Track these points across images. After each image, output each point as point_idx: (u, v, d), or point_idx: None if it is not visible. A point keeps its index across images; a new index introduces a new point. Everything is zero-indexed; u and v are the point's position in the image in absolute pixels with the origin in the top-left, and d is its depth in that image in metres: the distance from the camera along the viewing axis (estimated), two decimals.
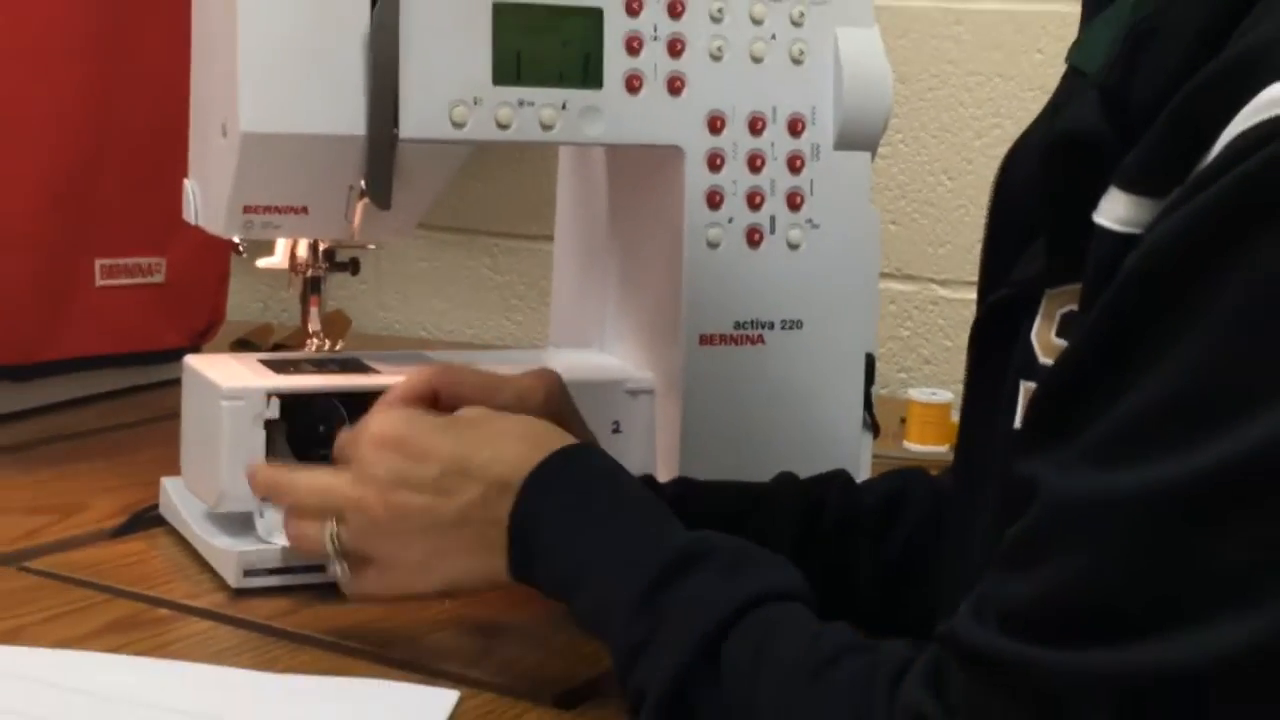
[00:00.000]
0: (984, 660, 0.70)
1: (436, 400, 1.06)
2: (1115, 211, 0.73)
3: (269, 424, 1.14)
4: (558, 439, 0.97)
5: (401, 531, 0.98)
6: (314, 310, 1.29)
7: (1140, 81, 0.74)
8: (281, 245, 1.28)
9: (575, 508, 0.94)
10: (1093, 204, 0.74)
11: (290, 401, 1.15)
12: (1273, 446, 0.63)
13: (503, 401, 1.06)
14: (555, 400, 1.10)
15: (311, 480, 1.02)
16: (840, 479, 1.12)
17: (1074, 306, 0.79)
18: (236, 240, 1.22)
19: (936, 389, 1.63)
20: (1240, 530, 0.64)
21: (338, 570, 1.00)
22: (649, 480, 1.12)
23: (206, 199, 1.19)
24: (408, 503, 0.97)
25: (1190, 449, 0.65)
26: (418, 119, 1.13)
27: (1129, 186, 0.72)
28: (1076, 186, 0.76)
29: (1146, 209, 0.71)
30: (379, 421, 1.01)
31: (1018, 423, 0.83)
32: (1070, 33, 0.93)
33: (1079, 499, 0.68)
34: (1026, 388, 0.83)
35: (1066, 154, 0.77)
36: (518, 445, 0.96)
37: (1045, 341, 0.82)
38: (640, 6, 1.18)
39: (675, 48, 1.20)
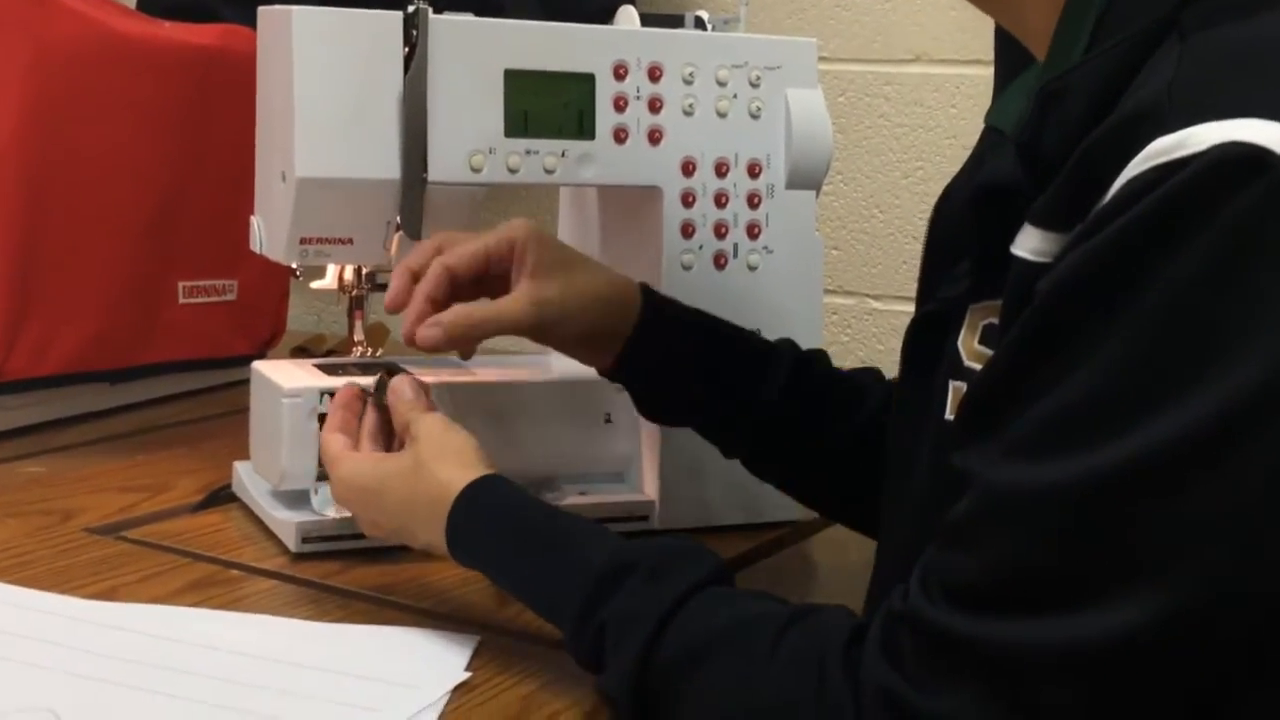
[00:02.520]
0: (934, 633, 0.68)
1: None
2: (1029, 244, 0.72)
3: (322, 417, 1.13)
4: (475, 469, 0.94)
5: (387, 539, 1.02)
6: (358, 323, 1.29)
7: (1049, 135, 0.73)
8: (331, 270, 1.28)
9: (496, 538, 0.92)
10: (1011, 238, 0.74)
11: None
12: (1172, 443, 0.63)
13: (492, 261, 1.05)
14: (528, 245, 1.05)
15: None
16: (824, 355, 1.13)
17: (994, 320, 0.78)
18: (294, 266, 1.22)
19: None
20: (1151, 515, 0.63)
21: None
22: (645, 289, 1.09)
23: (270, 232, 1.18)
24: (377, 526, 1.00)
25: (1103, 444, 0.64)
26: (443, 165, 1.13)
27: (1040, 223, 0.72)
28: (998, 224, 0.76)
29: (1055, 242, 0.71)
30: (343, 473, 1.00)
31: (948, 414, 0.83)
32: (979, 92, 0.93)
33: (1006, 489, 0.67)
34: (955, 386, 0.82)
35: (990, 198, 0.77)
36: (435, 497, 0.94)
37: (970, 348, 0.82)
38: (626, 72, 1.18)
39: (655, 105, 1.19)
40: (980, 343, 0.81)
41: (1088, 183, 0.68)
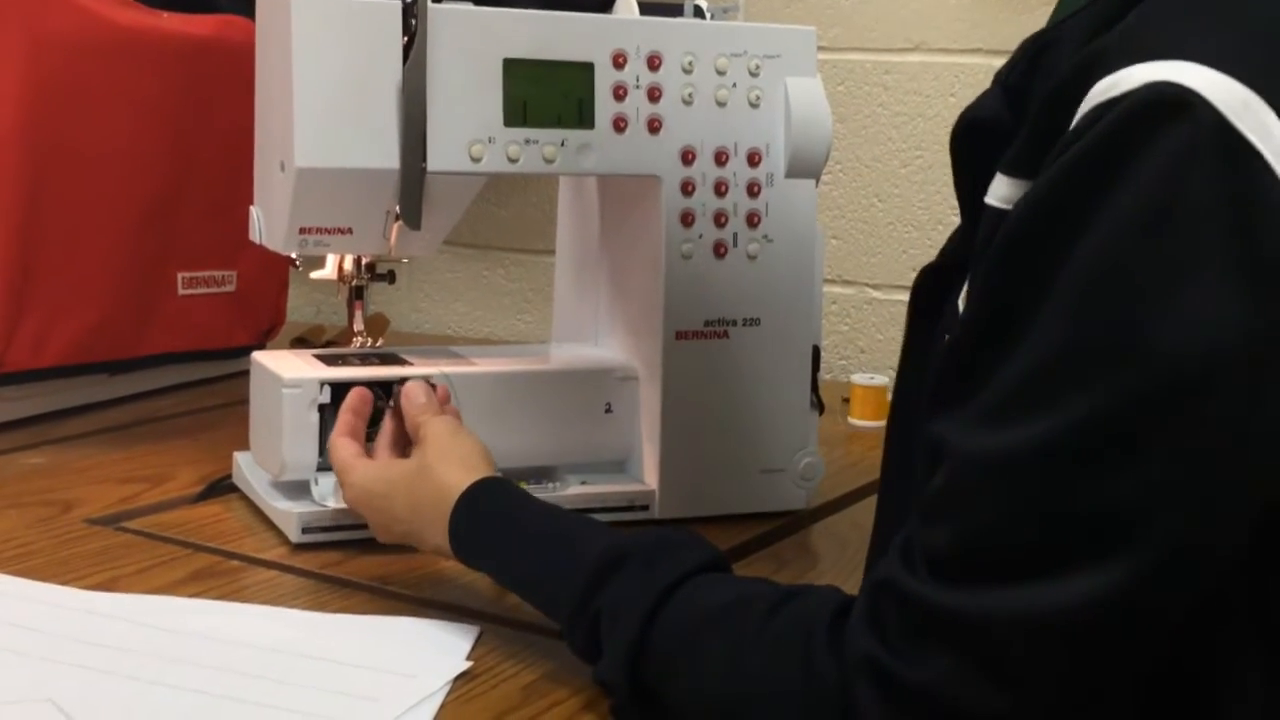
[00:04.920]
0: (915, 604, 0.68)
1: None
2: (1000, 191, 0.72)
3: (322, 408, 1.14)
4: (478, 472, 0.96)
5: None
6: (358, 313, 1.29)
7: (1039, 83, 0.73)
8: (331, 260, 1.27)
9: (496, 537, 0.94)
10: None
11: (340, 389, 1.14)
12: (1123, 401, 0.62)
13: None
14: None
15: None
16: None
17: None
18: (294, 256, 1.22)
19: (874, 374, 1.63)
20: (1120, 474, 0.63)
21: None
22: None
23: (269, 222, 1.18)
24: (389, 531, 1.02)
25: (1064, 404, 0.63)
26: (442, 155, 1.12)
27: (1008, 170, 0.72)
28: (977, 165, 0.75)
29: (1021, 188, 0.70)
30: (354, 480, 1.03)
31: None
32: (978, 80, 0.93)
33: (975, 457, 0.67)
34: None
35: (969, 137, 0.77)
36: (437, 500, 0.96)
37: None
38: (625, 61, 1.18)
39: (654, 94, 1.19)
40: None
41: (1049, 127, 0.68)
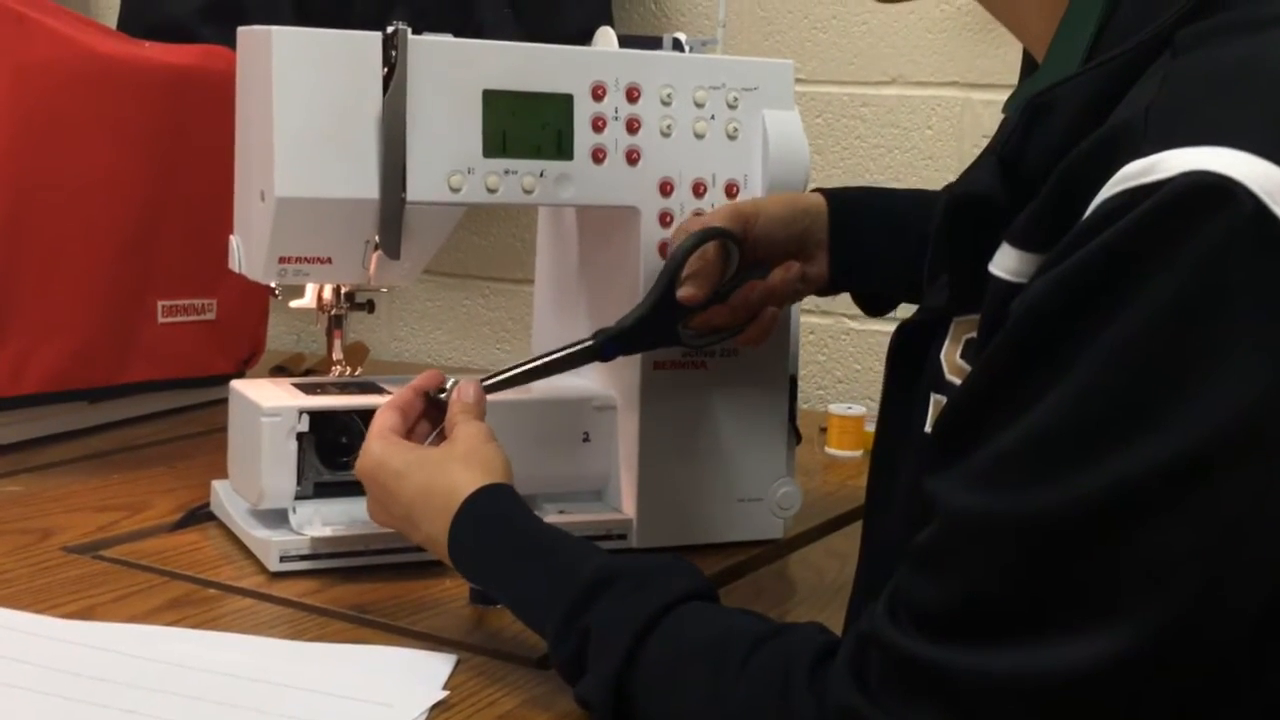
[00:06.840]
0: (898, 657, 0.68)
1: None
2: (1006, 264, 0.72)
3: (301, 436, 1.13)
4: (488, 477, 0.96)
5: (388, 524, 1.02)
6: (338, 342, 1.29)
7: (1032, 149, 0.72)
8: (310, 289, 1.27)
9: (491, 544, 0.94)
10: (989, 251, 0.73)
11: (318, 417, 1.14)
12: (1131, 481, 0.62)
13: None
14: (750, 226, 1.13)
15: None
16: None
17: (975, 334, 0.78)
18: (273, 285, 1.22)
19: (851, 404, 1.63)
20: (1108, 551, 0.63)
21: None
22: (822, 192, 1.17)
23: (248, 252, 1.18)
24: (385, 510, 1.01)
25: (1062, 478, 0.63)
26: (422, 185, 1.13)
27: (1017, 243, 0.71)
28: (974, 237, 0.75)
29: (1031, 263, 0.70)
30: (375, 449, 1.01)
31: (928, 427, 0.82)
32: (954, 114, 0.93)
33: (965, 517, 0.67)
34: (936, 400, 0.82)
35: (965, 210, 0.76)
36: (449, 492, 0.96)
37: (951, 361, 0.81)
38: (604, 92, 1.18)
39: (632, 126, 1.19)
40: (962, 356, 0.80)
41: (1065, 203, 0.67)
